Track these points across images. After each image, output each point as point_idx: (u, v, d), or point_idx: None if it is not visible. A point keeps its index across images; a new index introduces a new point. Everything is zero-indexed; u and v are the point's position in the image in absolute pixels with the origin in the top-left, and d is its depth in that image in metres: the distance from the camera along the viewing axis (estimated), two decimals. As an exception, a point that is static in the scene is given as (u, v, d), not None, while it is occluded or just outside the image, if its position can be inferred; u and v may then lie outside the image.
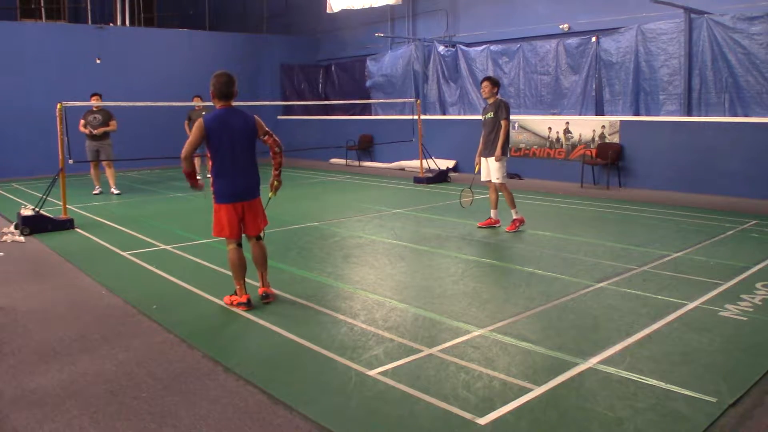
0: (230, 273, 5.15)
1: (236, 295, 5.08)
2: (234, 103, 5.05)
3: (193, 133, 4.84)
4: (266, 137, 5.08)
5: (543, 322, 4.64)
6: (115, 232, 8.25)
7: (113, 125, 11.68)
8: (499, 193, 8.04)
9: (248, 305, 4.99)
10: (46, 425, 3.22)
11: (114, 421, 3.25)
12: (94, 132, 11.44)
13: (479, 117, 8.27)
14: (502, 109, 7.79)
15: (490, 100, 7.92)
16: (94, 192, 11.86)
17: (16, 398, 3.53)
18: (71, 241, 7.77)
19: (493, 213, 8.14)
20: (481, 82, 8.03)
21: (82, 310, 5.11)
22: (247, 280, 5.12)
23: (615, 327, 4.49)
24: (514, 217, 7.89)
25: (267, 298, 5.15)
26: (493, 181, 7.91)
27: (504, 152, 7.83)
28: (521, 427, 3.14)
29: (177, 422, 3.24)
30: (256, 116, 5.06)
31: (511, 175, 13.39)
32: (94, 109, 11.50)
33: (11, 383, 3.73)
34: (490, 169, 7.91)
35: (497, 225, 8.09)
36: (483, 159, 8.01)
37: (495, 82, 7.98)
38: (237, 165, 4.94)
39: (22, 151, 14.66)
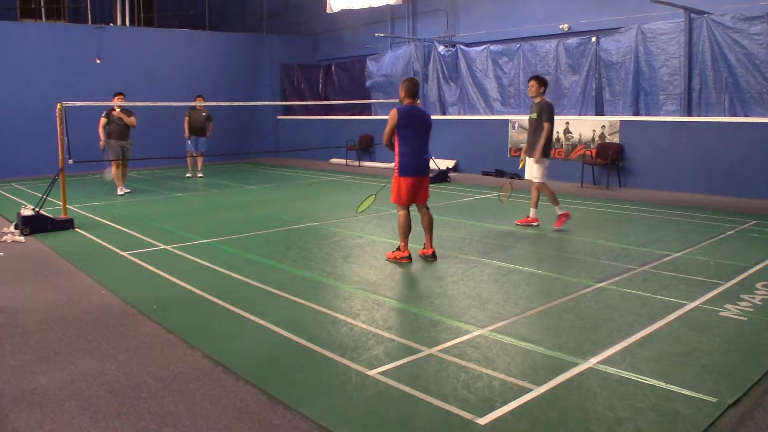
0: (402, 239, 6.35)
1: (399, 251, 6.40)
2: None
3: (389, 122, 6.19)
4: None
5: (543, 322, 4.64)
6: (115, 232, 8.24)
7: (134, 120, 11.61)
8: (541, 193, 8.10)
9: (409, 259, 6.34)
10: (46, 425, 3.22)
11: (114, 421, 3.25)
12: (126, 121, 11.37)
13: (479, 117, 8.28)
14: (545, 112, 7.79)
15: (537, 100, 7.89)
16: (119, 192, 11.65)
17: (16, 398, 3.53)
18: (71, 241, 7.77)
19: (532, 212, 8.18)
20: (529, 81, 8.04)
21: (82, 310, 5.10)
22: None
23: (615, 327, 4.49)
24: (559, 213, 7.93)
25: (432, 258, 6.45)
26: (532, 180, 7.98)
27: (545, 154, 7.87)
28: (521, 427, 3.14)
29: (177, 422, 3.24)
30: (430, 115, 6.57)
31: (511, 175, 13.43)
32: (117, 108, 11.43)
33: (11, 383, 3.72)
34: (532, 168, 7.98)
35: (535, 224, 8.12)
36: (527, 158, 8.08)
37: (542, 82, 7.94)
38: (419, 148, 6.30)
39: (22, 151, 14.65)
